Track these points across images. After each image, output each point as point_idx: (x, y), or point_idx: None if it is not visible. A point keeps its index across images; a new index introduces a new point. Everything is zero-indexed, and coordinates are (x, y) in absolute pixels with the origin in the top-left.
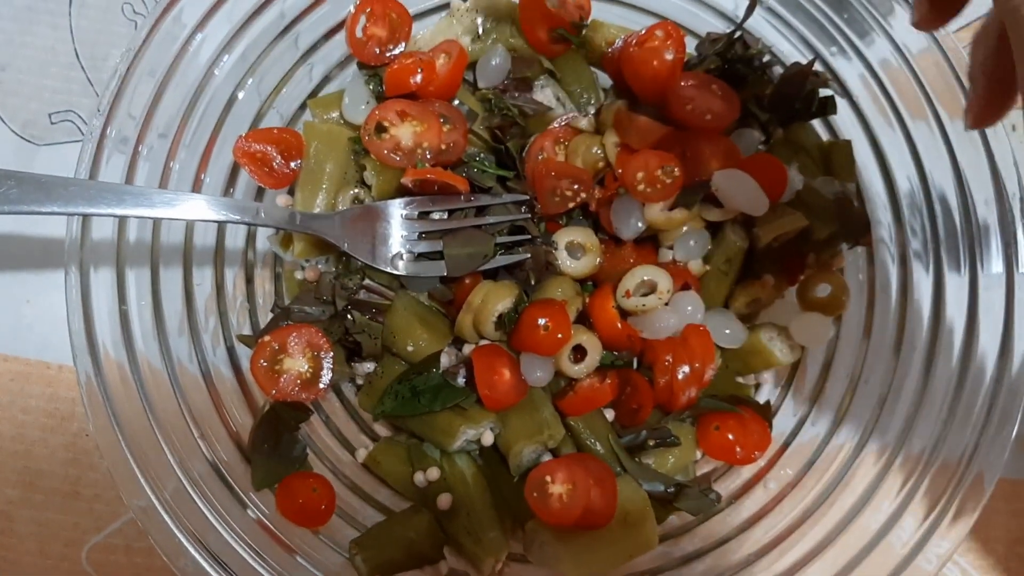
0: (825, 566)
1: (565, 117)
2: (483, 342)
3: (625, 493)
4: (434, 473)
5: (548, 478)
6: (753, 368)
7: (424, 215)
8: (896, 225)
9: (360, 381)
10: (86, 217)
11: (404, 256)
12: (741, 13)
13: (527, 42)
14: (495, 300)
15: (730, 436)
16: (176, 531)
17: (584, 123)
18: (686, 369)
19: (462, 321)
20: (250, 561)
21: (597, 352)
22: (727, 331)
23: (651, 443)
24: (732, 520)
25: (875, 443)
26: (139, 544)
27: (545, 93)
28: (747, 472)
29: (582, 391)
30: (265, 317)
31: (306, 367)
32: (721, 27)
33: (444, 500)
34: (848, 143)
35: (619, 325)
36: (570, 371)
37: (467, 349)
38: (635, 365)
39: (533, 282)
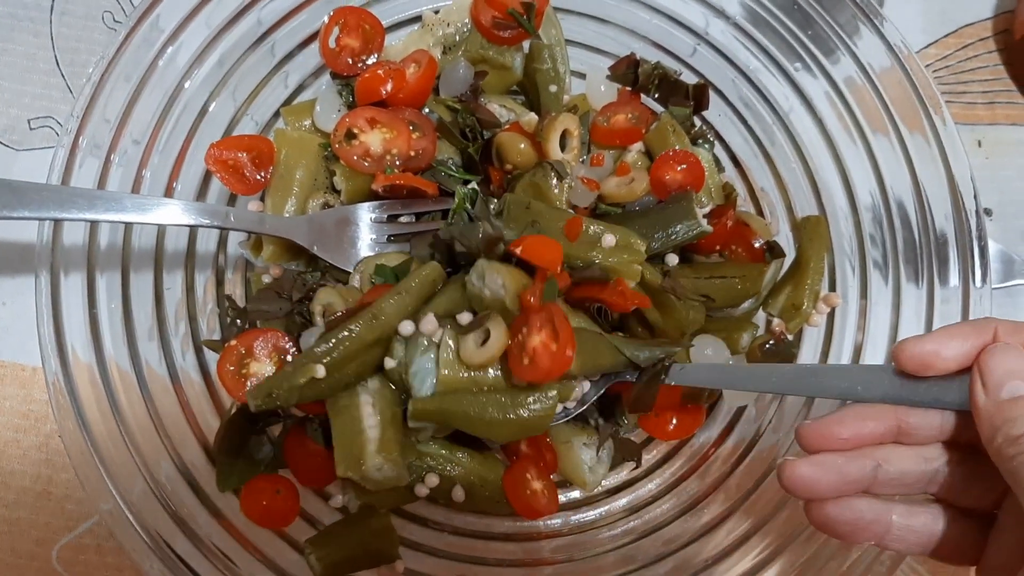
0: (785, 565)
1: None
2: None
3: None
4: None
5: None
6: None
7: (392, 218)
8: (857, 237)
9: None
10: (58, 221)
11: None
12: (711, 30)
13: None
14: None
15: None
16: (142, 534)
17: (525, 120)
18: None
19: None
20: (214, 563)
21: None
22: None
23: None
24: (692, 525)
25: None
26: (109, 544)
27: (492, 106)
28: (709, 479)
29: None
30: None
31: (272, 370)
32: (691, 43)
33: None
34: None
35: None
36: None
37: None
38: None
39: None
